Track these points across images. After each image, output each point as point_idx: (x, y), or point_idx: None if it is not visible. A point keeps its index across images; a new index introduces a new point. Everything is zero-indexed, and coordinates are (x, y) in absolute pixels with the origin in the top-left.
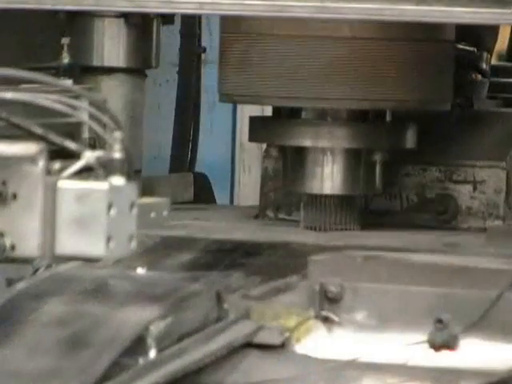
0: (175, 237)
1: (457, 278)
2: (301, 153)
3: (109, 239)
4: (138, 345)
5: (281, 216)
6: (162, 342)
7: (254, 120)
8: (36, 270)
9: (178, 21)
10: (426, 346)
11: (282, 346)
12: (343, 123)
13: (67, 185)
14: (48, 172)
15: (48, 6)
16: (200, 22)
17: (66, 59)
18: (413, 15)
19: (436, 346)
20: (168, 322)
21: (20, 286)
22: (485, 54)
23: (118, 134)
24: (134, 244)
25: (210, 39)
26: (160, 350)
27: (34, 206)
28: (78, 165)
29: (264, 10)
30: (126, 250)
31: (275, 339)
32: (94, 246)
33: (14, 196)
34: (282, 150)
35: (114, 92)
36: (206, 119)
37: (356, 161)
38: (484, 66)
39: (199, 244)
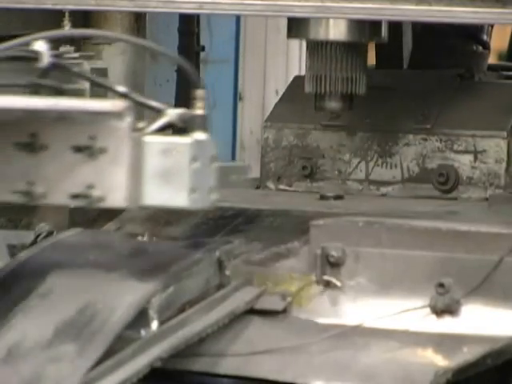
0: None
1: (458, 242)
2: None
3: (191, 190)
4: (140, 317)
5: (281, 187)
6: (164, 312)
7: None
8: (37, 237)
9: (176, 19)
10: (428, 310)
11: (284, 312)
12: None
13: (152, 139)
14: (133, 128)
15: (48, 6)
16: (198, 21)
17: (66, 27)
18: (413, 15)
19: (438, 311)
20: (169, 293)
21: (21, 255)
22: (486, 26)
23: (200, 93)
24: (214, 196)
25: (210, 39)
26: (162, 321)
27: (121, 160)
28: (161, 121)
29: (264, 9)
30: (207, 202)
31: (277, 305)
32: (178, 197)
33: (102, 150)
34: None
35: (115, 60)
36: None
37: None
38: (485, 37)
39: (200, 211)
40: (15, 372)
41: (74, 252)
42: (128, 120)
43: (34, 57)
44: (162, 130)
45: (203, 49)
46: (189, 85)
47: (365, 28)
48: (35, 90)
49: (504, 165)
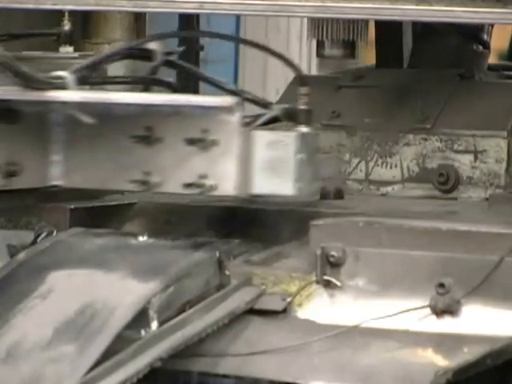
0: (177, 204)
1: (458, 242)
2: None
3: (297, 180)
4: (140, 317)
5: None
6: (164, 312)
7: None
8: (37, 237)
9: (175, 18)
10: (428, 310)
11: (284, 312)
12: None
13: (260, 133)
14: (242, 122)
15: (48, 6)
16: (198, 20)
17: (66, 26)
18: (413, 15)
19: (438, 311)
20: (169, 293)
21: (21, 256)
22: (486, 26)
23: (303, 89)
24: (316, 185)
25: (210, 39)
26: (162, 321)
27: (232, 152)
28: (268, 115)
29: (264, 9)
30: (311, 190)
31: (277, 305)
32: (284, 186)
33: (214, 142)
34: None
35: None
36: None
37: None
38: (485, 37)
39: (201, 211)
40: (15, 372)
41: (74, 252)
42: (238, 114)
43: (148, 55)
44: (268, 123)
45: (202, 48)
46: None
47: None
48: (146, 86)
49: (504, 165)
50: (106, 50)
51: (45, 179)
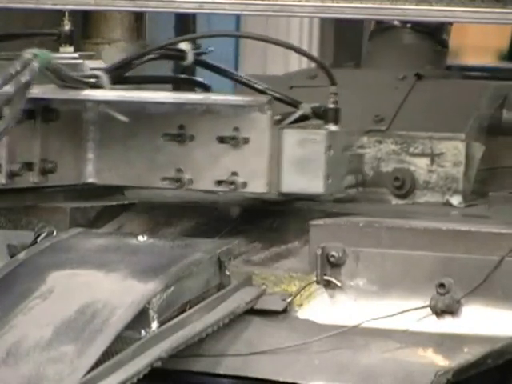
0: (177, 204)
1: (458, 242)
2: None
3: (326, 178)
4: (140, 317)
5: None
6: (164, 312)
7: None
8: (37, 237)
9: (172, 18)
10: (428, 310)
11: (284, 312)
12: None
13: (291, 131)
14: (273, 121)
15: (48, 6)
16: (195, 20)
17: (66, 26)
18: (413, 15)
19: (438, 311)
20: (169, 293)
21: (21, 255)
22: (446, 25)
23: (332, 88)
24: (346, 183)
25: (211, 38)
26: (162, 321)
27: (263, 150)
28: (297, 114)
29: (264, 9)
30: (340, 188)
31: (277, 305)
32: (314, 184)
33: (246, 140)
34: None
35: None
36: None
37: None
38: (444, 35)
39: (200, 210)
40: (15, 372)
41: (74, 252)
42: (269, 113)
43: (180, 55)
44: (297, 121)
45: (199, 47)
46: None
47: None
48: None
49: (462, 168)
50: (138, 50)
51: (79, 177)
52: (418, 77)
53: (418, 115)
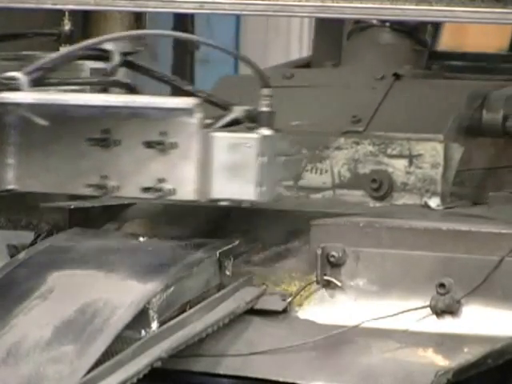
0: (177, 204)
1: (459, 242)
2: None
3: (258, 184)
4: (140, 317)
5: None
6: (164, 312)
7: None
8: (37, 237)
9: (170, 19)
10: (428, 310)
11: (284, 312)
12: None
13: (221, 135)
14: (202, 125)
15: (48, 6)
16: (193, 20)
17: (66, 26)
18: (413, 15)
19: (438, 311)
20: (169, 293)
21: (21, 255)
22: (425, 24)
23: (266, 91)
24: (279, 189)
25: (211, 39)
26: (162, 321)
27: (191, 155)
28: (228, 118)
29: (264, 9)
30: (273, 195)
31: (277, 305)
32: (246, 191)
33: (173, 145)
34: None
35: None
36: None
37: None
38: (424, 35)
39: (200, 211)
40: (15, 372)
41: (74, 252)
42: (198, 116)
43: (106, 56)
44: (229, 125)
45: (197, 48)
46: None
47: None
48: (104, 87)
49: (441, 170)
50: (62, 50)
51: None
52: (397, 77)
53: (396, 116)
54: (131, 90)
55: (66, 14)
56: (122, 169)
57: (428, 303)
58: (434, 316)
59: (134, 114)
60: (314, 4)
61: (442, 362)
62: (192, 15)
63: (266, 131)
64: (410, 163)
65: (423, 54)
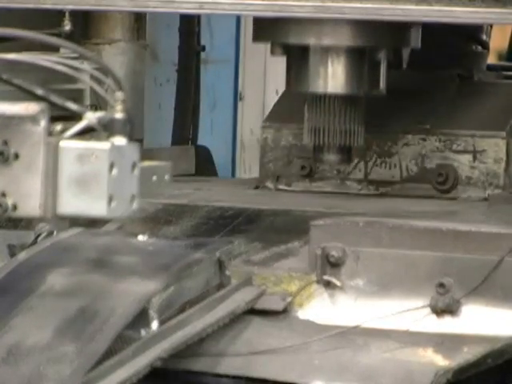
0: (176, 204)
1: (458, 242)
2: (305, 52)
3: (110, 199)
4: (140, 317)
5: (280, 187)
6: (164, 312)
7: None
8: (37, 237)
9: (177, 19)
10: (428, 310)
11: (284, 312)
12: (347, 20)
13: (69, 144)
14: (50, 133)
15: (48, 6)
16: (199, 20)
17: (67, 26)
18: (413, 15)
19: (438, 311)
20: (169, 293)
21: (21, 256)
22: (485, 26)
23: (119, 95)
24: (135, 205)
25: (211, 39)
26: (162, 321)
27: (36, 166)
28: (79, 125)
29: (264, 9)
30: (128, 211)
31: (277, 305)
32: (96, 206)
33: (16, 156)
34: (286, 49)
35: (115, 61)
36: (206, 119)
37: (360, 60)
38: (484, 37)
39: (200, 211)
40: (15, 372)
41: (74, 252)
42: (43, 124)
43: None
44: (82, 134)
45: (204, 48)
46: (188, 84)
47: (363, 81)
48: None
49: (503, 164)
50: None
51: None
52: (460, 77)
53: (461, 114)
54: None
55: (66, 14)
56: None
57: (428, 303)
58: (434, 316)
59: None
60: (314, 4)
61: (441, 361)
62: (199, 17)
63: (118, 140)
64: (474, 158)
65: (485, 56)
